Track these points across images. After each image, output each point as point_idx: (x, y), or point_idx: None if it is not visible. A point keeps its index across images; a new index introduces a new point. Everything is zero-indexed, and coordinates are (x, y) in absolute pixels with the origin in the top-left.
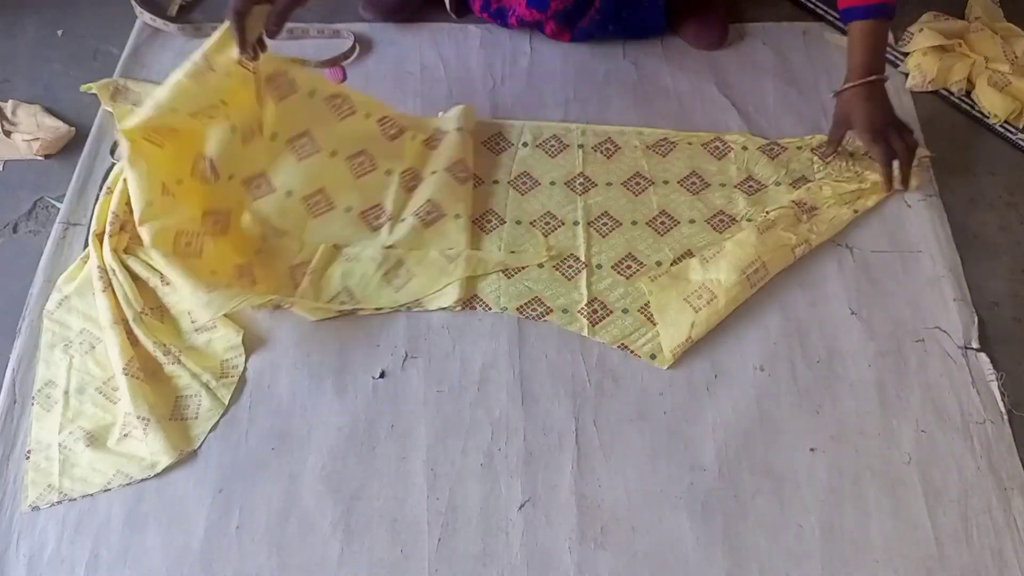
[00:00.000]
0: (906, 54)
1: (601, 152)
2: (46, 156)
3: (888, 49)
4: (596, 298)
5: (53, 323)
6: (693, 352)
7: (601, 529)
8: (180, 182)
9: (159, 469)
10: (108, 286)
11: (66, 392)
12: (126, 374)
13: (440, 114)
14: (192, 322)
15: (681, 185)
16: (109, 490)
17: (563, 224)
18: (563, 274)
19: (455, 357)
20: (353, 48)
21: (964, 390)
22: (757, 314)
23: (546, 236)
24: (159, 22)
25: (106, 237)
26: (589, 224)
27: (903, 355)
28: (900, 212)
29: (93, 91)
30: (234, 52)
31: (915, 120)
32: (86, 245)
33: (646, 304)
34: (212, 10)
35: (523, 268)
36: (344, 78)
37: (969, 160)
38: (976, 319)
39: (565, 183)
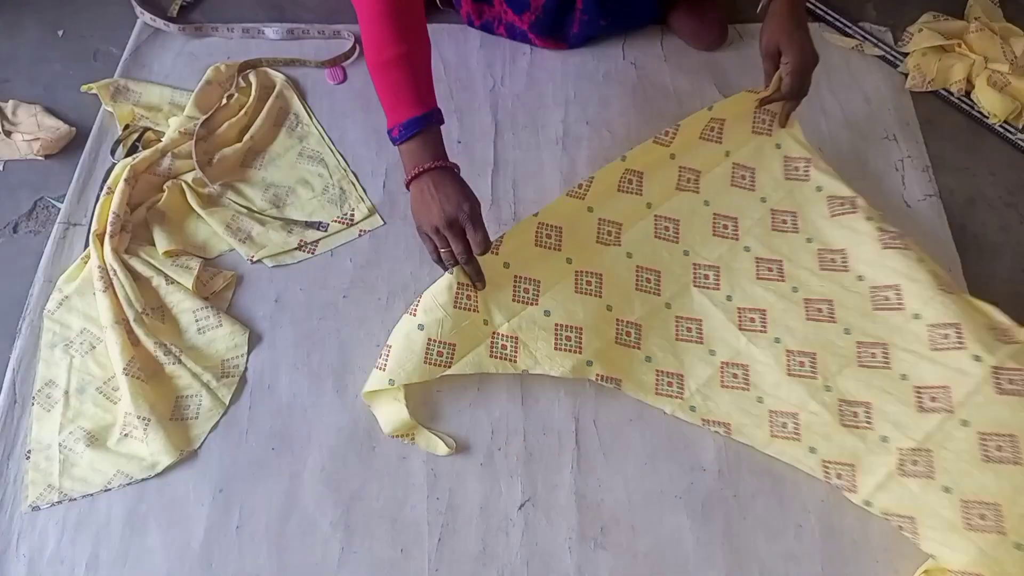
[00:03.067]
0: (906, 54)
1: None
2: (46, 156)
3: (887, 49)
4: None
5: (53, 323)
6: None
7: (601, 529)
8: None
9: (159, 469)
10: (109, 286)
11: (66, 392)
12: (127, 374)
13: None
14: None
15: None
16: (109, 490)
17: None
18: None
19: None
20: (353, 48)
21: None
22: None
23: None
24: (160, 22)
25: (107, 237)
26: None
27: None
28: (900, 212)
29: (93, 91)
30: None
31: (915, 121)
32: (86, 245)
33: None
34: (212, 10)
35: None
36: (344, 78)
37: (969, 160)
38: None
39: None
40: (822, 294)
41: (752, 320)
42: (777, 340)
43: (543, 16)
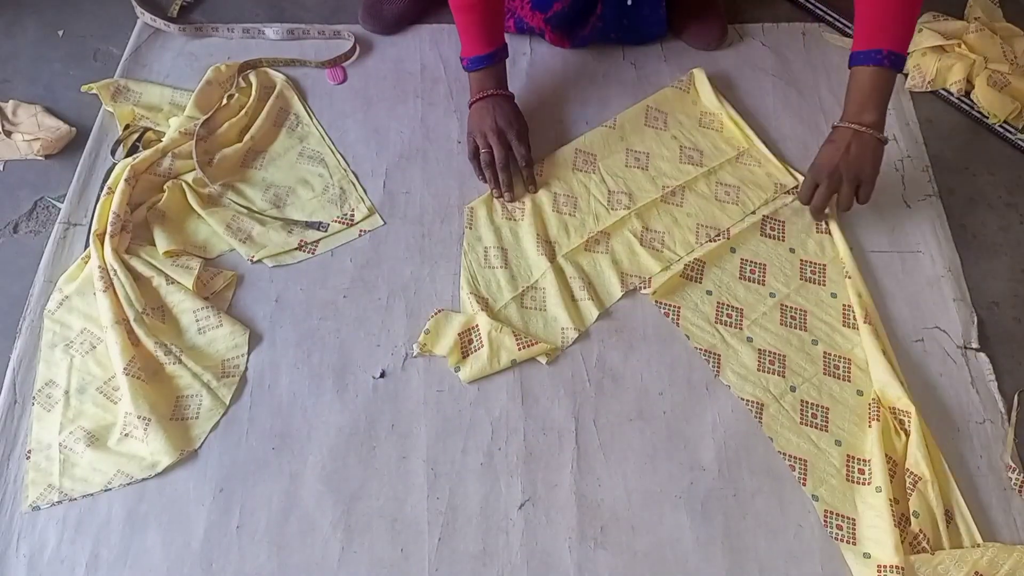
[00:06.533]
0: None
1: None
2: (46, 156)
3: None
4: None
5: (54, 323)
6: (693, 351)
7: (601, 528)
8: None
9: (160, 469)
10: (109, 286)
11: (67, 392)
12: (127, 374)
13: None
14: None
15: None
16: (109, 490)
17: None
18: None
19: None
20: (353, 49)
21: (964, 390)
22: None
23: None
24: (160, 22)
25: (107, 237)
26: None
27: (903, 355)
28: (900, 212)
29: (94, 91)
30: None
31: (915, 121)
32: (87, 245)
33: None
34: (212, 10)
35: None
36: (344, 78)
37: (969, 160)
38: (976, 319)
39: None
40: (676, 179)
41: (620, 200)
42: (632, 213)
43: (567, 10)
